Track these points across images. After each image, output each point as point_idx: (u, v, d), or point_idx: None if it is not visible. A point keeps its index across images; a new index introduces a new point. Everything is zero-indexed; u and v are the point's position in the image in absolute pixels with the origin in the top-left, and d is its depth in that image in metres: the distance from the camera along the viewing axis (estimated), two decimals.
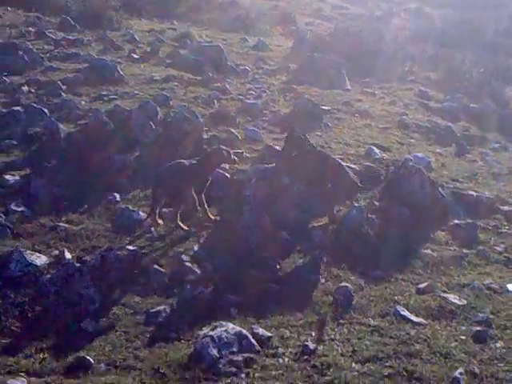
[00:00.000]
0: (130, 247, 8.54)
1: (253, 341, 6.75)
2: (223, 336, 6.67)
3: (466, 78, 19.89)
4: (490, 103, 17.56)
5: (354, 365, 6.48)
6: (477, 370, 6.46)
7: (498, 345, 7.07)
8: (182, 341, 6.96)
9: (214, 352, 6.48)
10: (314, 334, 7.09)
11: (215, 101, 13.89)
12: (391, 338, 7.04)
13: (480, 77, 20.06)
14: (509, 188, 11.93)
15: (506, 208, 10.92)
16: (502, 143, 15.09)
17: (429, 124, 15.03)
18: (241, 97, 14.54)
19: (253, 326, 7.05)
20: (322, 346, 6.84)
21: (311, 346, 6.77)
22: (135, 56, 17.71)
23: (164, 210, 9.43)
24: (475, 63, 21.72)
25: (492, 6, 34.74)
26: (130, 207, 9.49)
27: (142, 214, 9.32)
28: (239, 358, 6.51)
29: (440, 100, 17.80)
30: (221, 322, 6.94)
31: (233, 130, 12.10)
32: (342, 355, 6.66)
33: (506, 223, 10.49)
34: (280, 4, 31.31)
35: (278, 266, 8.50)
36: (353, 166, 11.12)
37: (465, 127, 15.73)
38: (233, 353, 6.54)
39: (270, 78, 17.11)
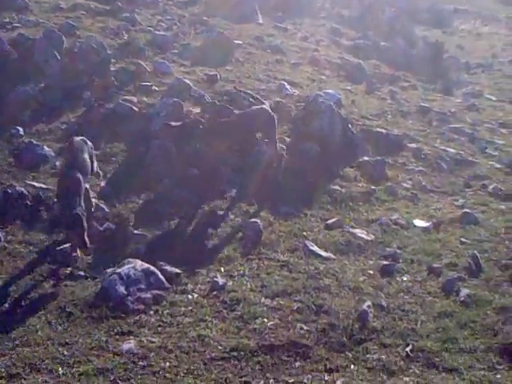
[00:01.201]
0: (34, 183, 8.23)
1: (161, 277, 6.69)
2: (131, 273, 6.57)
3: (378, 17, 19.90)
4: (401, 42, 17.66)
5: (263, 299, 6.55)
6: (384, 303, 6.64)
7: (405, 278, 7.29)
8: (89, 279, 6.83)
9: (122, 289, 6.40)
10: (223, 270, 7.10)
11: (124, 32, 13.42)
12: (300, 272, 7.13)
13: (392, 16, 20.11)
14: (416, 126, 12.12)
15: (413, 145, 11.12)
16: (411, 82, 15.26)
17: (340, 61, 15.02)
18: (150, 28, 14.11)
19: (161, 263, 6.98)
20: (231, 282, 6.85)
21: (220, 281, 6.77)
22: None
23: None
24: (387, 2, 21.77)
25: None
26: (34, 141, 9.10)
27: (47, 149, 8.96)
28: (148, 295, 6.45)
29: (352, 37, 17.81)
30: (128, 259, 6.83)
31: (141, 63, 11.75)
32: (251, 290, 6.71)
33: (413, 160, 10.70)
34: None
35: None
36: (264, 101, 11.02)
37: (375, 65, 15.81)
38: (141, 290, 6.48)
39: (182, 10, 16.65)
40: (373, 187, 9.49)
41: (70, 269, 6.96)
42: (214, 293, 6.63)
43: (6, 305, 6.38)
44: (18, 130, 9.38)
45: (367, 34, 17.94)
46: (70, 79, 10.82)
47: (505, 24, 25.79)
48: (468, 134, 12.18)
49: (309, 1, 20.27)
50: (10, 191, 7.78)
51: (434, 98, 14.39)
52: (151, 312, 6.29)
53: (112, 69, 11.40)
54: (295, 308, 6.42)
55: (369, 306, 6.43)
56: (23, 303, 6.41)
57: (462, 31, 23.76)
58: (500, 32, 24.27)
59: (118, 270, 6.58)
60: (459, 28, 24.25)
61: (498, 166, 10.94)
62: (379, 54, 16.62)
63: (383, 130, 11.20)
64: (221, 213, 8.30)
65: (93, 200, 7.87)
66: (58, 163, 8.72)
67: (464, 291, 6.91)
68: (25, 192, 7.88)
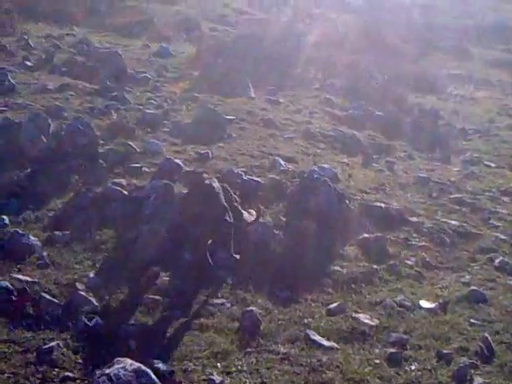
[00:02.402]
0: (20, 276, 7.78)
1: (153, 377, 6.18)
2: (121, 374, 6.08)
3: (370, 85, 19.86)
4: (394, 110, 17.54)
5: None
6: None
7: (413, 367, 6.85)
8: (78, 381, 6.34)
9: None
10: (219, 366, 6.64)
11: (113, 111, 13.26)
12: (302, 365, 6.70)
13: (384, 83, 20.08)
14: (416, 198, 11.83)
15: (414, 219, 10.78)
16: (407, 151, 15.05)
17: (334, 133, 14.84)
18: (140, 107, 13.97)
19: (153, 361, 6.52)
20: (228, 379, 6.41)
21: (217, 379, 6.32)
22: (28, 63, 16.82)
23: (57, 232, 8.81)
24: (378, 69, 21.81)
25: (394, 12, 35.21)
26: (20, 231, 8.68)
27: (33, 238, 8.58)
28: None
29: (345, 107, 17.68)
30: (118, 358, 6.37)
31: (131, 143, 11.52)
32: None
33: (415, 235, 10.34)
34: (183, 9, 30.72)
35: None
36: (257, 179, 10.77)
37: (370, 135, 15.61)
38: None
39: (172, 86, 16.60)
40: (375, 266, 9.09)
41: (57, 370, 6.49)
42: None
43: None
44: (3, 219, 9.01)
45: (360, 104, 17.81)
46: (57, 163, 10.54)
47: (498, 88, 25.83)
48: (469, 203, 11.86)
49: (301, 72, 20.29)
50: None
51: (432, 167, 14.15)
52: None
53: (100, 150, 11.14)
54: None
55: None
56: None
57: (456, 96, 23.69)
58: (494, 96, 24.26)
59: (107, 371, 6.09)
60: (453, 93, 24.20)
61: (503, 237, 10.58)
62: (373, 124, 16.44)
63: (382, 204, 10.87)
64: (216, 301, 7.87)
65: (82, 293, 7.48)
66: (44, 254, 8.34)
67: (478, 380, 6.52)
68: (9, 286, 7.44)
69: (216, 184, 8.32)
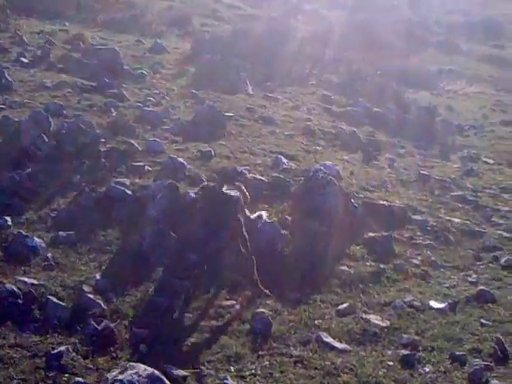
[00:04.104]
0: (25, 278, 7.63)
1: (167, 382, 6.10)
2: (134, 380, 5.96)
3: (367, 82, 19.78)
4: (393, 107, 17.49)
5: None
6: None
7: (427, 369, 6.78)
8: None
9: None
10: (233, 369, 6.55)
11: (112, 109, 13.10)
12: (316, 369, 6.62)
13: (380, 80, 20.02)
14: (418, 196, 11.78)
15: (418, 217, 10.75)
16: (406, 148, 15.03)
17: (334, 130, 14.78)
18: (139, 104, 13.82)
19: (166, 366, 6.41)
20: (243, 383, 6.30)
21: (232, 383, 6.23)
22: (24, 60, 16.58)
23: (62, 233, 8.69)
24: (371, 65, 21.77)
25: (385, 8, 35.21)
26: (24, 232, 8.55)
27: (37, 240, 8.45)
28: None
29: (343, 104, 17.63)
30: (131, 363, 6.26)
31: (132, 141, 11.38)
32: None
33: (419, 233, 10.29)
34: (175, 4, 30.50)
35: None
36: (260, 177, 10.68)
37: (369, 132, 15.57)
38: None
39: (169, 83, 16.46)
40: (382, 266, 9.03)
41: (67, 375, 6.37)
42: None
43: None
44: (6, 220, 8.85)
45: (358, 100, 17.74)
46: (59, 162, 10.40)
47: (490, 83, 25.85)
48: (471, 201, 11.87)
49: (297, 68, 20.19)
50: None
51: (432, 164, 14.15)
52: None
53: (102, 149, 11.00)
54: None
55: None
56: None
57: (449, 92, 23.71)
58: (486, 92, 24.29)
59: (120, 377, 5.97)
60: (446, 89, 24.18)
61: (507, 235, 10.57)
62: (372, 120, 16.39)
63: (385, 202, 10.80)
64: (225, 303, 7.77)
65: (89, 296, 7.37)
66: (49, 255, 8.21)
67: (494, 383, 6.43)
68: (15, 290, 7.30)
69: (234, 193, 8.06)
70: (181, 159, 10.65)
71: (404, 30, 30.74)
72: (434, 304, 8.18)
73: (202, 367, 6.55)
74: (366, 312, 7.86)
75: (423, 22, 35.67)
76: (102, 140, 11.34)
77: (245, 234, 7.89)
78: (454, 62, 28.45)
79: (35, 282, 7.61)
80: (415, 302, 8.16)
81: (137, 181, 10.08)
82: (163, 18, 26.61)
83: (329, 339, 7.13)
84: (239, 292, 8.03)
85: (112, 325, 7.05)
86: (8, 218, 8.93)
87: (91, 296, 7.44)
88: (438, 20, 38.16)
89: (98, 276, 7.95)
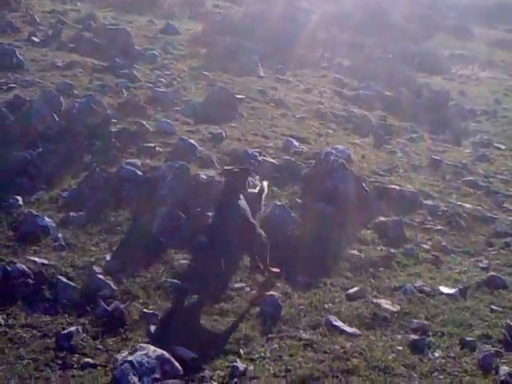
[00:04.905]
0: (36, 258, 7.66)
1: (177, 364, 6.12)
2: (144, 361, 6.00)
3: (377, 65, 19.66)
4: (405, 91, 17.37)
5: None
6: None
7: (437, 354, 6.73)
8: (99, 367, 6.22)
9: (135, 380, 5.81)
10: (242, 352, 6.54)
11: (123, 89, 13.07)
12: (326, 353, 6.58)
13: (391, 64, 19.89)
14: (430, 181, 11.71)
15: (429, 202, 10.67)
16: (418, 133, 14.92)
17: (345, 113, 14.71)
18: (150, 85, 13.78)
19: (175, 347, 6.41)
20: (252, 366, 6.29)
21: (241, 366, 6.22)
22: (36, 39, 16.57)
23: (72, 213, 8.70)
24: (382, 49, 21.65)
25: None
26: (34, 212, 8.55)
27: (47, 220, 8.44)
28: None
29: (354, 87, 17.54)
30: (140, 344, 6.27)
31: (143, 122, 11.35)
32: (274, 376, 6.14)
33: (430, 218, 10.23)
34: None
35: None
36: (271, 160, 10.65)
37: (381, 116, 15.49)
38: (156, 379, 5.90)
39: (181, 64, 16.41)
40: (392, 250, 8.98)
41: (77, 356, 6.38)
42: (235, 380, 6.06)
43: None
44: (17, 200, 8.86)
45: (369, 84, 17.64)
46: (70, 142, 10.38)
47: (502, 68, 25.65)
48: (483, 187, 11.78)
49: (309, 51, 20.08)
50: (9, 269, 7.22)
51: (444, 148, 14.04)
52: None
53: (113, 129, 10.98)
54: None
55: None
56: None
57: (461, 77, 23.52)
58: (498, 77, 24.10)
59: (130, 358, 6.00)
60: (458, 73, 24.01)
61: None
62: (384, 104, 16.29)
63: (397, 187, 10.74)
64: (235, 285, 7.76)
65: (100, 276, 7.37)
66: (60, 235, 8.21)
67: (503, 369, 6.38)
68: (26, 269, 7.32)
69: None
70: (192, 141, 10.62)
71: (416, 13, 30.49)
72: (444, 289, 8.12)
73: (212, 349, 6.54)
74: (376, 296, 7.82)
75: (435, 5, 35.40)
76: (113, 120, 11.30)
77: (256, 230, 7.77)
78: (467, 46, 28.23)
79: (45, 261, 7.64)
80: (425, 287, 8.12)
81: (147, 162, 10.04)
82: None
83: (338, 323, 7.10)
84: (251, 276, 8.00)
85: (122, 306, 7.07)
86: (19, 198, 8.94)
87: (101, 277, 7.45)
88: (451, 4, 37.85)
89: (108, 257, 7.96)
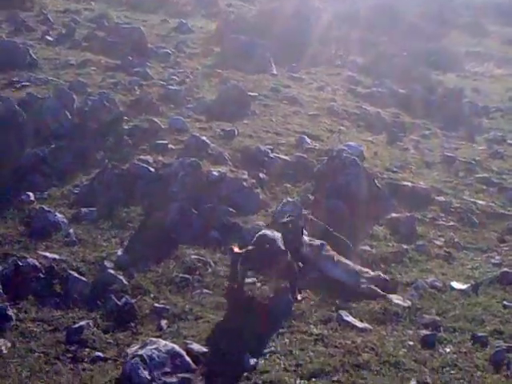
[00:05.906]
0: (47, 253, 7.71)
1: (187, 359, 6.12)
2: (154, 355, 6.01)
3: (391, 63, 19.60)
4: (418, 88, 17.31)
5: (298, 381, 5.97)
6: (429, 380, 6.06)
7: (448, 349, 6.71)
8: (109, 361, 6.25)
9: (145, 374, 5.82)
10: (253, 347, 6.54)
11: (136, 87, 13.11)
12: (336, 347, 6.55)
13: (405, 61, 19.82)
14: (443, 177, 11.68)
15: (441, 199, 10.67)
16: (431, 130, 14.88)
17: (358, 110, 14.71)
18: (163, 82, 13.82)
19: (186, 341, 6.42)
20: (262, 361, 6.28)
21: (251, 361, 6.21)
22: (49, 38, 16.64)
23: (84, 209, 8.74)
24: (397, 47, 21.58)
25: None
26: (46, 207, 8.62)
27: (59, 215, 8.49)
28: (173, 379, 5.88)
29: (368, 85, 17.52)
30: (151, 338, 6.28)
31: (156, 119, 11.38)
32: (285, 370, 6.12)
33: (442, 215, 10.22)
34: None
35: None
36: (284, 156, 10.65)
37: (394, 113, 15.45)
38: (166, 374, 5.91)
39: (193, 62, 16.45)
40: (404, 246, 8.96)
41: (87, 350, 6.41)
42: (245, 374, 6.06)
43: None
44: (29, 196, 8.94)
45: (383, 81, 17.60)
46: (82, 139, 10.43)
47: None
48: (496, 183, 11.75)
49: (322, 49, 20.05)
50: (21, 264, 7.26)
51: (457, 145, 13.99)
52: None
53: (125, 127, 11.02)
54: None
55: None
56: None
57: (476, 74, 23.39)
58: None
59: (140, 352, 6.02)
60: (472, 71, 23.87)
61: None
62: (397, 102, 16.24)
63: (409, 183, 10.74)
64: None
65: (110, 271, 7.40)
66: (71, 231, 8.25)
67: None
68: (37, 264, 7.36)
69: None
70: (204, 138, 10.65)
71: (431, 11, 30.36)
72: (456, 285, 8.11)
73: (222, 344, 6.55)
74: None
75: (450, 3, 35.22)
76: (126, 118, 11.37)
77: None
78: (481, 43, 28.08)
79: (57, 257, 7.69)
80: (437, 283, 8.09)
81: (160, 158, 10.08)
82: None
83: (349, 318, 7.08)
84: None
85: (133, 300, 7.10)
86: (31, 194, 9.03)
87: (112, 271, 7.50)
88: (466, 1, 37.65)
89: (119, 252, 8.00)
